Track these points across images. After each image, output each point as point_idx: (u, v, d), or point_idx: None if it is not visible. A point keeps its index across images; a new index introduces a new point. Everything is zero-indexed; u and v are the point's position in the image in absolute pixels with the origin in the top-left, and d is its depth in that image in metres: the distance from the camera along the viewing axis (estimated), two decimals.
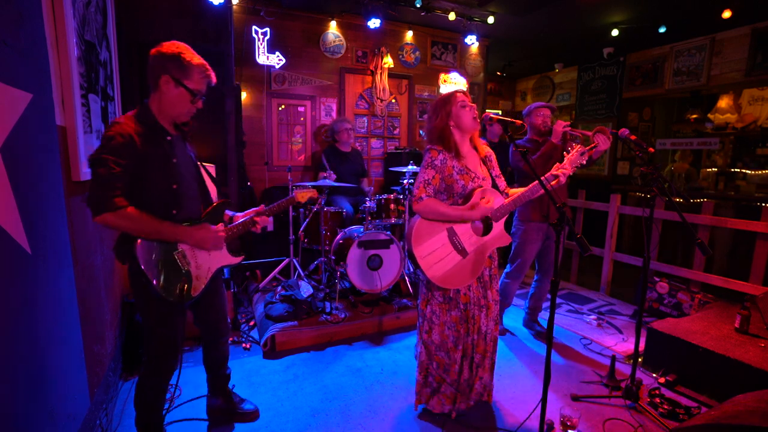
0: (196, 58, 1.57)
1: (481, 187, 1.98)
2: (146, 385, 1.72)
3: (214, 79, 1.63)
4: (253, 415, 2.10)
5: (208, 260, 1.69)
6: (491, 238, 2.01)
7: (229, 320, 2.01)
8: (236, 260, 1.80)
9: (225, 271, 3.19)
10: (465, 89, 2.08)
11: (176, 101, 1.58)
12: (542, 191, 1.98)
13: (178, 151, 1.65)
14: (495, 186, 2.05)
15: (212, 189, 1.83)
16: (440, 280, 1.94)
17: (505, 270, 3.08)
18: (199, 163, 1.80)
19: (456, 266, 1.96)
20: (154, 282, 1.52)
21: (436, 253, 1.94)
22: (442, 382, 2.08)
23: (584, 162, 2.01)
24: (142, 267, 1.49)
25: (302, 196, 1.97)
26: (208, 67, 1.61)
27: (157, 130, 1.58)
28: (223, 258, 1.76)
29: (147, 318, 1.65)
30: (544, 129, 2.88)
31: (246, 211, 1.85)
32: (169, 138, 1.61)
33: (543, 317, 3.33)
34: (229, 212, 1.84)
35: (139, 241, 1.49)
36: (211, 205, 1.76)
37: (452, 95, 1.99)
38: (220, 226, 1.73)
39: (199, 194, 1.76)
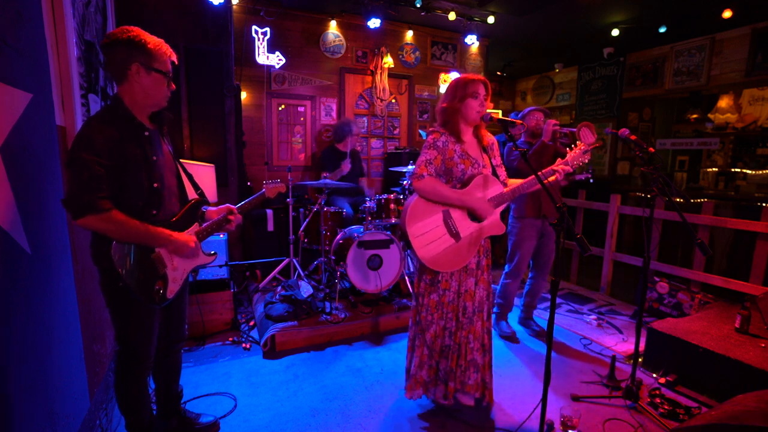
0: (156, 39, 1.50)
1: (482, 173, 1.98)
2: (128, 380, 1.63)
3: (174, 56, 1.56)
4: (214, 428, 2.00)
5: (184, 262, 1.66)
6: (486, 225, 2.01)
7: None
8: (209, 260, 1.76)
9: (225, 270, 3.19)
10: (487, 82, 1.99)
11: (152, 88, 1.50)
12: (539, 186, 2.00)
13: (156, 147, 1.58)
14: (495, 174, 2.05)
15: (188, 184, 1.77)
16: (430, 262, 1.94)
17: (504, 270, 3.09)
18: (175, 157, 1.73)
19: (447, 249, 1.95)
20: (131, 285, 1.47)
21: (429, 234, 1.94)
22: (422, 357, 2.11)
23: (586, 160, 2.04)
24: (119, 270, 1.44)
25: (272, 191, 1.95)
26: (166, 44, 1.53)
27: (134, 125, 1.50)
28: (198, 258, 1.72)
29: (123, 318, 1.57)
30: (538, 131, 2.99)
31: (219, 207, 1.79)
32: (147, 133, 1.53)
33: (540, 316, 3.33)
34: (203, 207, 1.79)
35: (114, 243, 1.43)
36: (187, 204, 1.69)
37: (472, 82, 1.94)
38: (195, 226, 1.69)
39: (178, 192, 1.70)
